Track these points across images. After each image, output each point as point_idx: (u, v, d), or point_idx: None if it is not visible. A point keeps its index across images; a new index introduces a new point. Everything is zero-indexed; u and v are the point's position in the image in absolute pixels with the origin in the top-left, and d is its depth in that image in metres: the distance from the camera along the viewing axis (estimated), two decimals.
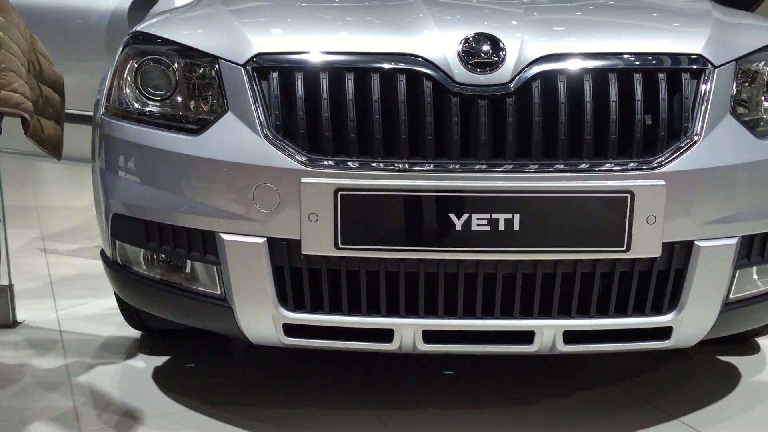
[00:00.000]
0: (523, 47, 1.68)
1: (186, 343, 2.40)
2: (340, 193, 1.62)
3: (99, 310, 2.74)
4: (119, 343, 2.45)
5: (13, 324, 2.61)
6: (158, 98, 1.86)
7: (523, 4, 1.95)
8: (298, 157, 1.65)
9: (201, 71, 1.81)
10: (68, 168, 5.10)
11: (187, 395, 2.08)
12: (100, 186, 1.95)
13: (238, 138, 1.71)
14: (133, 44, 1.93)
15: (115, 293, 2.21)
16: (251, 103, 1.71)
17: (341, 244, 1.64)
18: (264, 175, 1.67)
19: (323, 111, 1.66)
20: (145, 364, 2.29)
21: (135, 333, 2.48)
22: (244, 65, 1.73)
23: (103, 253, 2.06)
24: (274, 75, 1.71)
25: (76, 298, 2.88)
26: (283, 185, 1.65)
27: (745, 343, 2.41)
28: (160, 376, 2.22)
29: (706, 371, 2.26)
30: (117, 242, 1.92)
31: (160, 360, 2.32)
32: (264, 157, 1.67)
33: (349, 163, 1.64)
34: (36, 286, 3.04)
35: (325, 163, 1.64)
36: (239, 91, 1.73)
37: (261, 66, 1.72)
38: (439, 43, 1.69)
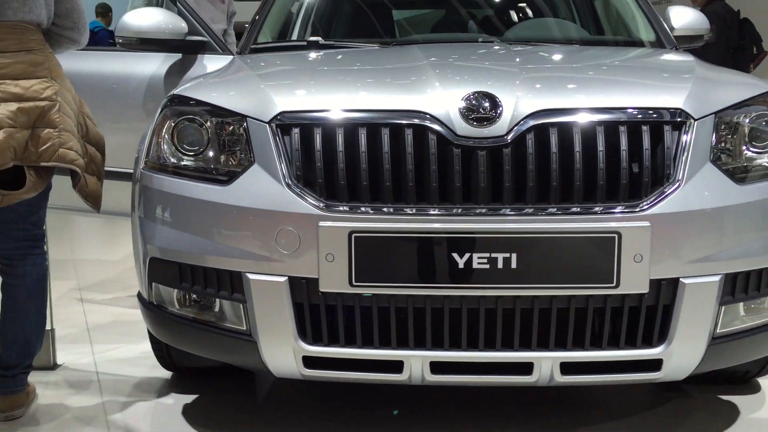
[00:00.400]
0: (518, 103, 1.87)
1: (214, 381, 2.56)
2: (354, 235, 1.80)
3: (133, 353, 2.91)
4: (152, 383, 2.61)
5: (54, 366, 2.79)
6: (192, 153, 2.07)
7: (518, 63, 2.15)
8: (316, 203, 1.84)
9: (231, 128, 2.02)
10: (102, 223, 5.34)
11: (215, 430, 2.22)
12: (139, 233, 2.14)
13: (263, 187, 1.90)
14: (170, 106, 2.15)
15: (149, 334, 2.39)
16: (275, 156, 1.90)
17: (355, 281, 1.80)
18: (286, 219, 1.85)
19: (339, 162, 1.85)
20: (175, 401, 2.45)
21: (166, 373, 2.64)
22: (269, 122, 1.94)
23: (140, 295, 2.24)
24: (296, 131, 1.91)
25: (112, 343, 3.06)
26: (303, 229, 1.83)
27: (746, 383, 2.50)
28: (189, 412, 2.37)
29: (706, 409, 2.35)
30: (153, 284, 2.10)
31: (190, 398, 2.47)
32: (286, 204, 1.86)
33: (362, 208, 1.82)
34: (74, 332, 3.23)
35: (341, 208, 1.83)
36: (264, 145, 1.93)
37: (284, 123, 1.93)
38: (442, 101, 1.88)
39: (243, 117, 1.99)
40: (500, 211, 1.80)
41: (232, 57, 3.00)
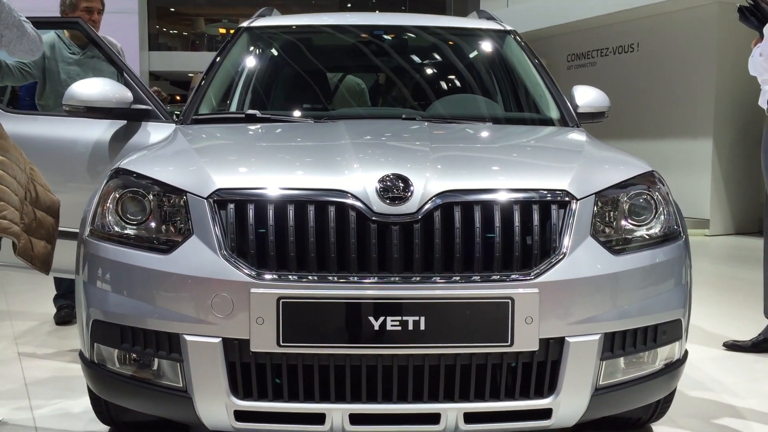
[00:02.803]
0: (428, 184, 2.14)
1: None
2: (281, 300, 2.02)
3: (72, 408, 3.02)
4: None
5: None
6: (135, 223, 2.27)
7: (430, 144, 2.43)
8: (248, 272, 2.06)
9: (171, 201, 2.23)
10: (39, 276, 5.39)
11: None
12: (83, 296, 2.32)
13: (200, 256, 2.11)
14: (115, 178, 2.35)
15: (88, 390, 2.54)
16: (212, 229, 2.12)
17: (282, 342, 2.02)
18: (220, 286, 2.06)
19: (269, 235, 2.08)
20: None
21: (104, 428, 2.77)
22: (206, 198, 2.16)
23: (81, 354, 2.40)
24: (231, 206, 2.14)
25: (50, 398, 3.16)
26: (236, 294, 2.05)
27: (640, 428, 2.78)
28: None
29: None
30: (95, 344, 2.27)
31: None
32: (221, 272, 2.07)
33: (290, 277, 2.05)
34: (12, 387, 3.31)
35: (270, 276, 2.05)
36: (202, 218, 2.15)
37: (221, 198, 2.15)
38: (361, 181, 2.14)
39: (183, 192, 2.21)
40: (411, 279, 2.05)
41: (174, 126, 3.22)
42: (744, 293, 5.50)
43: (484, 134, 2.87)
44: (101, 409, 2.61)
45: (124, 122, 3.42)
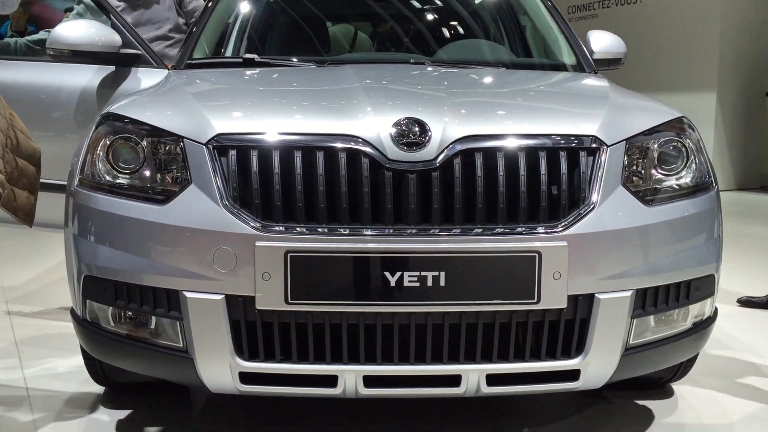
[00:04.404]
0: (446, 129, 1.97)
1: (148, 396, 2.57)
2: (289, 255, 1.86)
3: (64, 368, 2.88)
4: (84, 399, 2.60)
5: None
6: (128, 171, 2.09)
7: (446, 87, 2.25)
8: (252, 224, 1.89)
9: (167, 148, 2.05)
10: (27, 232, 5.21)
11: None
12: (73, 251, 2.15)
13: (200, 207, 1.94)
14: (105, 123, 2.17)
15: (81, 349, 2.39)
16: (212, 177, 1.95)
17: (291, 299, 1.87)
18: (223, 239, 1.90)
19: (275, 184, 1.91)
20: (109, 417, 2.45)
21: (99, 388, 2.64)
22: (206, 144, 1.98)
23: (73, 311, 2.24)
24: (233, 152, 1.96)
25: (42, 357, 3.02)
26: (240, 248, 1.89)
27: (660, 388, 2.67)
28: (123, 428, 2.38)
29: (623, 414, 2.51)
30: (87, 301, 2.11)
31: (123, 413, 2.47)
32: (223, 224, 1.91)
33: (298, 229, 1.89)
34: (2, 346, 3.17)
35: (277, 228, 1.89)
36: (201, 166, 1.97)
37: (221, 145, 1.98)
38: (374, 126, 1.96)
39: (179, 138, 2.03)
40: (429, 232, 1.89)
41: (167, 72, 3.02)
42: (753, 249, 5.39)
43: (502, 79, 2.69)
44: (96, 370, 2.47)
45: (112, 68, 3.21)
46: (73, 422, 2.43)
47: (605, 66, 3.20)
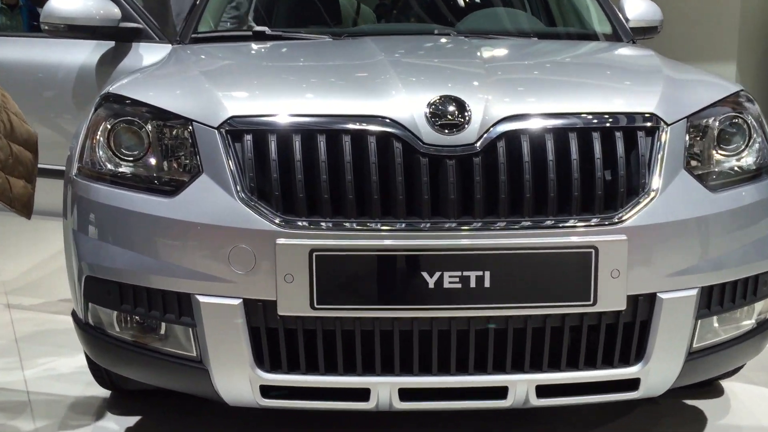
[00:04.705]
0: (488, 108, 1.75)
1: (157, 401, 2.38)
2: (315, 254, 1.65)
3: (67, 368, 2.69)
4: (89, 404, 2.41)
5: None
6: (131, 159, 1.88)
7: (483, 62, 2.02)
8: (272, 219, 1.68)
9: (174, 133, 1.84)
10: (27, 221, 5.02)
11: None
12: (72, 247, 1.95)
13: (213, 200, 1.73)
14: (104, 105, 1.95)
15: (85, 354, 2.19)
16: (225, 165, 1.74)
17: (317, 304, 1.66)
18: (240, 236, 1.69)
19: (296, 173, 1.69)
20: (116, 425, 2.26)
21: (105, 392, 2.45)
22: (218, 128, 1.77)
23: (74, 314, 2.04)
24: (248, 137, 1.74)
25: (43, 356, 2.83)
26: (259, 246, 1.68)
27: (709, 386, 2.47)
28: None
29: (673, 415, 2.32)
30: (90, 304, 1.91)
31: (131, 420, 2.29)
32: (239, 219, 1.70)
33: (323, 224, 1.67)
34: (1, 343, 2.98)
35: (300, 224, 1.67)
36: (213, 153, 1.76)
37: (235, 129, 1.76)
38: (406, 105, 1.74)
39: (188, 120, 1.81)
40: (471, 226, 1.68)
41: (170, 47, 2.79)
42: None
43: (540, 51, 2.45)
44: (101, 374, 2.28)
45: (112, 43, 2.98)
46: (78, 431, 2.25)
47: (641, 35, 2.96)
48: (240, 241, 1.69)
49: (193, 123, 1.80)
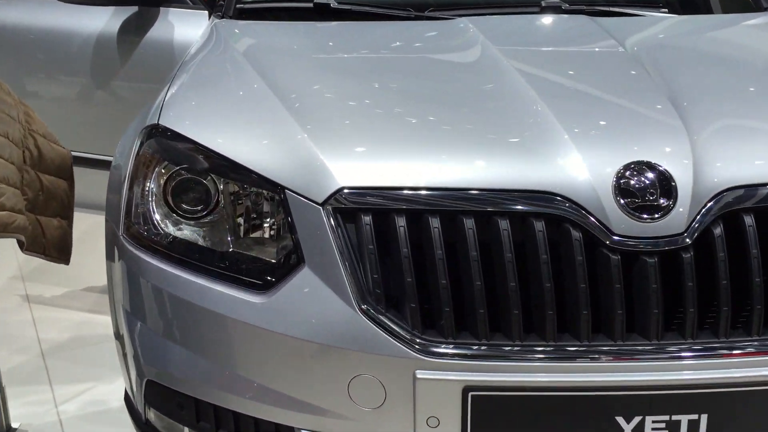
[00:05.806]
0: (699, 177, 1.26)
1: None
2: (470, 394, 1.22)
3: (104, 401, 2.32)
4: None
5: (7, 430, 2.18)
6: (194, 218, 1.41)
7: (665, 83, 1.49)
8: (409, 341, 1.23)
9: (255, 199, 1.36)
10: None
11: None
12: (126, 333, 1.50)
13: (322, 308, 1.27)
14: (157, 140, 1.46)
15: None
16: (338, 259, 1.27)
17: None
18: (362, 363, 1.25)
19: (440, 274, 1.23)
20: None
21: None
22: (323, 204, 1.29)
23: (127, 399, 1.63)
24: (367, 219, 1.27)
25: (75, 382, 2.45)
26: (390, 378, 1.24)
27: None
28: None
29: None
30: (153, 410, 1.49)
31: None
32: (361, 339, 1.25)
33: (479, 350, 1.23)
34: (26, 360, 2.60)
35: (446, 351, 1.23)
36: (319, 238, 1.29)
37: (348, 207, 1.28)
38: (585, 176, 1.25)
39: (279, 187, 1.33)
40: (682, 353, 1.23)
41: (206, 19, 2.24)
42: None
43: (737, 48, 1.86)
44: None
45: (134, 8, 2.42)
46: None
47: None
48: (363, 369, 1.25)
49: (286, 192, 1.32)
